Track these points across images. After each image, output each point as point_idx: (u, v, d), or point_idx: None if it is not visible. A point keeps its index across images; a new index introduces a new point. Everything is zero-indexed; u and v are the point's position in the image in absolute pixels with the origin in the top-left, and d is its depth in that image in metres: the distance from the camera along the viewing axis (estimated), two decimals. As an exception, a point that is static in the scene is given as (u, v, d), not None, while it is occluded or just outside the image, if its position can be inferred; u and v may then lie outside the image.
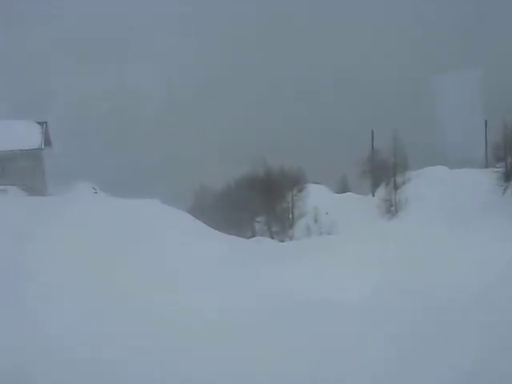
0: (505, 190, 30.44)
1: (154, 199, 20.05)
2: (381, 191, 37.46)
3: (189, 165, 43.60)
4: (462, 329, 8.85)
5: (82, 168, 34.77)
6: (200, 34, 60.77)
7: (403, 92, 50.61)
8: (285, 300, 10.62)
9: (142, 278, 11.54)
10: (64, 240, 13.08)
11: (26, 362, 7.33)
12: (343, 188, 47.78)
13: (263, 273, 13.10)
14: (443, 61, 52.15)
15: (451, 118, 36.37)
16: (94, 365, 7.47)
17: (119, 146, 42.75)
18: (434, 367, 7.63)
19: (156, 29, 56.73)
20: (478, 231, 17.10)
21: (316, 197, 39.06)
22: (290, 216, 39.15)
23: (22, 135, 31.09)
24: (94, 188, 33.25)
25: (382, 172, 38.50)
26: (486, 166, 36.00)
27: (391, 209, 34.92)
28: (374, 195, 39.44)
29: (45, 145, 32.97)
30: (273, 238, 33.87)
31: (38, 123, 33.11)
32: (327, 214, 35.49)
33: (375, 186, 40.15)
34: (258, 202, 38.90)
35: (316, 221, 35.66)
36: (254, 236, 34.00)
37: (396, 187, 35.80)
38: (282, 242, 30.96)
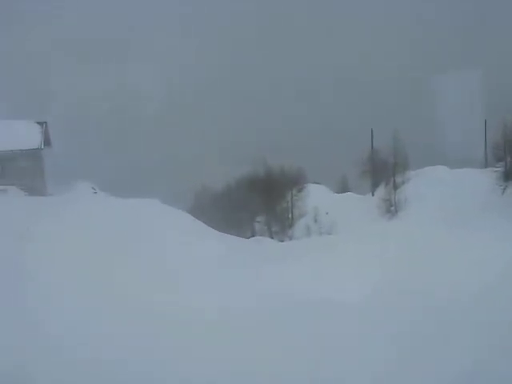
0: (504, 189, 30.45)
1: (153, 199, 20.05)
2: (381, 191, 37.49)
3: (189, 165, 43.62)
4: (461, 329, 8.85)
5: (82, 168, 34.79)
6: (200, 33, 60.78)
7: (403, 92, 50.65)
8: (285, 300, 10.61)
9: (141, 278, 11.53)
10: (64, 240, 13.06)
11: (26, 362, 7.33)
12: (343, 188, 47.82)
13: (263, 273, 13.09)
14: (443, 61, 52.20)
15: (451, 117, 36.40)
16: (93, 365, 7.47)
17: (119, 146, 42.77)
18: (434, 367, 7.63)
19: (156, 29, 56.72)
20: (477, 231, 17.10)
21: (316, 197, 39.08)
22: (290, 216, 39.18)
23: (22, 135, 31.09)
24: (93, 188, 33.25)
25: (382, 172, 38.55)
26: (486, 166, 36.04)
27: (391, 209, 34.95)
28: (373, 195, 39.47)
29: (45, 145, 32.97)
30: (272, 238, 33.89)
31: (38, 123, 33.12)
32: (327, 213, 35.51)
33: (375, 185, 40.19)
34: (258, 202, 38.93)
35: (316, 221, 35.68)
36: (253, 236, 34.01)
37: (396, 187, 35.83)
38: (282, 241, 30.97)
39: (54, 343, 7.96)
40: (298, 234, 34.63)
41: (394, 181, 36.22)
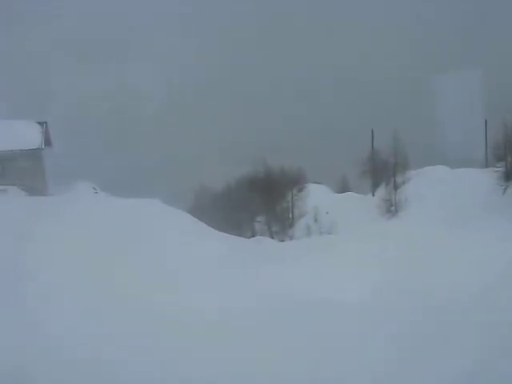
0: (505, 189, 30.44)
1: (154, 199, 20.06)
2: (381, 191, 37.48)
3: (189, 165, 43.62)
4: (461, 329, 8.85)
5: (83, 168, 34.80)
6: (200, 33, 60.77)
7: (403, 92, 50.64)
8: (285, 300, 10.62)
9: (141, 278, 11.53)
10: (64, 240, 13.07)
11: (26, 362, 7.33)
12: (343, 188, 47.82)
13: (263, 273, 13.10)
14: (443, 61, 52.15)
15: (451, 117, 36.39)
16: (93, 365, 7.47)
17: (119, 146, 42.77)
18: (434, 367, 7.63)
19: (156, 29, 56.72)
20: (478, 231, 17.10)
21: (316, 196, 39.08)
22: (290, 216, 39.18)
23: (23, 135, 31.09)
24: (94, 188, 33.26)
25: (382, 172, 38.54)
26: (486, 166, 36.01)
27: (391, 208, 34.93)
28: (374, 195, 39.47)
29: (45, 145, 32.98)
30: (273, 238, 33.89)
31: (38, 123, 33.12)
32: (327, 213, 35.50)
33: (375, 185, 40.19)
34: (258, 202, 38.92)
35: (316, 220, 35.67)
36: (254, 236, 34.01)
37: (396, 187, 35.82)
38: (282, 241, 30.97)
39: (54, 343, 7.96)
40: (299, 233, 34.62)
41: (395, 181, 36.21)
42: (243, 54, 60.21)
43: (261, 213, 39.97)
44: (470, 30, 53.16)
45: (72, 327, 8.64)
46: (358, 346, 8.58)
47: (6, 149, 30.33)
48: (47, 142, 33.45)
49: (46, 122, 33.63)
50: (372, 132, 41.13)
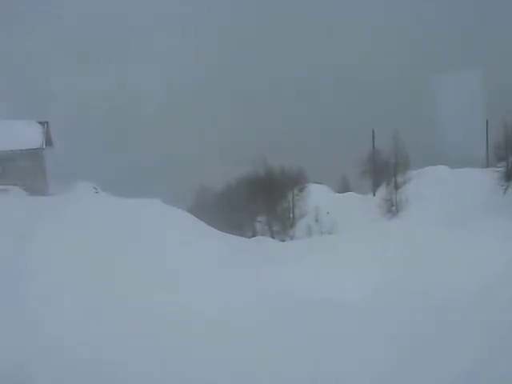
0: (506, 189, 30.40)
1: (154, 199, 20.07)
2: (382, 191, 37.47)
3: (189, 164, 43.64)
4: (462, 329, 8.84)
5: (83, 168, 34.82)
6: (200, 34, 60.79)
7: (404, 92, 50.64)
8: (285, 300, 10.61)
9: (142, 277, 11.53)
10: (64, 240, 13.07)
11: (26, 362, 7.33)
12: (344, 188, 47.81)
13: (263, 273, 13.09)
14: (444, 61, 52.14)
15: (452, 117, 36.37)
16: (94, 365, 7.47)
17: (120, 146, 42.78)
18: (434, 367, 7.63)
19: (156, 29, 56.72)
20: (478, 231, 17.06)
21: (317, 196, 39.08)
22: (291, 216, 39.17)
23: (23, 135, 31.10)
24: (94, 188, 33.28)
25: (383, 172, 38.53)
26: (487, 166, 35.99)
27: (392, 208, 34.92)
28: (374, 195, 39.45)
29: (46, 144, 33.00)
30: (273, 238, 33.88)
31: (39, 123, 33.14)
32: (328, 213, 35.49)
33: (376, 185, 40.17)
34: (259, 202, 38.94)
35: (317, 220, 35.66)
36: (254, 236, 34.01)
37: (397, 187, 35.80)
38: (283, 241, 30.96)
39: (54, 343, 7.96)
40: (299, 233, 34.62)
41: (395, 181, 36.19)
42: (243, 53, 60.25)
43: (261, 213, 39.97)
44: (470, 29, 53.17)
45: (72, 327, 8.63)
46: (358, 346, 8.58)
47: (7, 149, 30.35)
48: (48, 141, 33.46)
49: (46, 122, 33.65)
50: (373, 132, 41.12)
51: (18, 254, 11.43)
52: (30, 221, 13.92)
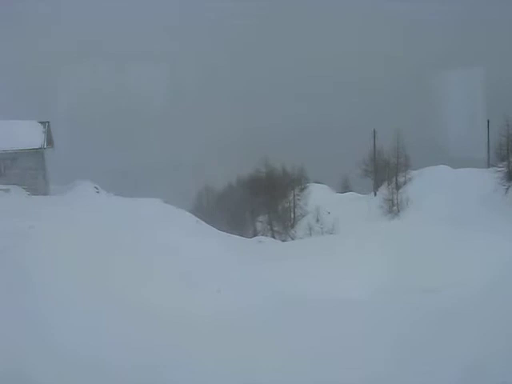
0: (507, 189, 30.34)
1: (156, 199, 20.10)
2: (383, 191, 37.41)
3: (191, 164, 43.62)
4: (462, 329, 8.85)
5: (84, 167, 34.82)
6: (201, 34, 60.84)
7: (405, 92, 50.58)
8: (285, 299, 10.63)
9: (143, 277, 11.55)
10: (66, 239, 13.08)
11: (26, 362, 7.33)
12: (345, 187, 47.77)
13: (265, 272, 13.11)
14: (445, 61, 52.11)
15: (453, 117, 36.30)
16: (94, 365, 7.47)
17: (121, 146, 42.79)
18: (435, 367, 7.62)
19: (156, 29, 56.73)
20: (480, 230, 17.07)
21: (318, 196, 39.10)
22: (292, 215, 39.15)
23: (25, 135, 31.08)
24: (96, 187, 33.24)
25: (384, 171, 38.49)
26: (489, 166, 35.92)
27: (393, 208, 34.87)
28: (375, 195, 39.40)
29: (47, 144, 32.97)
30: (274, 238, 33.87)
31: (41, 123, 33.14)
32: (329, 213, 35.44)
33: (377, 185, 40.11)
34: (260, 202, 38.93)
35: (318, 220, 35.59)
36: (255, 236, 34.00)
37: (398, 187, 35.76)
38: (284, 241, 30.94)
39: (54, 343, 7.96)
40: (300, 233, 34.61)
41: (396, 180, 36.14)
42: (244, 53, 60.25)
43: (262, 212, 39.97)
44: (472, 29, 53.13)
45: (72, 327, 8.64)
46: (358, 346, 8.59)
47: (8, 148, 30.32)
48: (49, 141, 33.44)
49: (48, 122, 33.61)
50: (374, 132, 41.07)
51: (19, 254, 11.44)
52: (31, 220, 13.93)
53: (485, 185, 30.93)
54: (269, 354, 8.25)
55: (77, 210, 16.15)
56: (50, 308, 9.17)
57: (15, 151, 30.73)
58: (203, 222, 20.93)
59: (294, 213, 39.12)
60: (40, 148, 32.11)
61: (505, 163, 32.02)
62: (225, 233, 21.16)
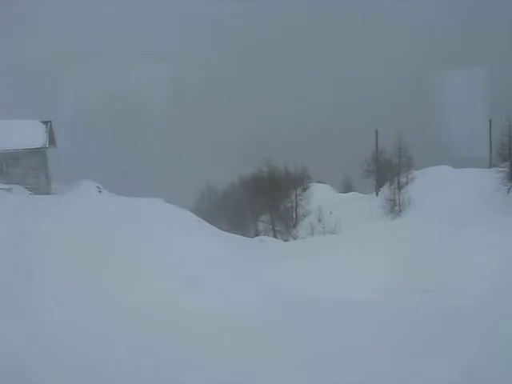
0: (509, 189, 30.31)
1: (157, 198, 20.09)
2: (385, 191, 37.38)
3: (193, 164, 43.65)
4: (464, 329, 8.83)
5: (86, 167, 34.86)
6: (201, 34, 60.87)
7: (407, 92, 50.56)
8: (286, 299, 10.62)
9: (144, 277, 11.55)
10: (67, 239, 13.08)
11: (26, 361, 7.32)
12: (347, 187, 47.75)
13: (267, 271, 13.10)
14: (448, 61, 52.06)
15: (456, 117, 36.25)
16: (94, 365, 7.47)
17: (123, 146, 42.84)
18: (434, 367, 7.61)
19: (157, 28, 56.77)
20: (482, 230, 17.04)
21: (320, 196, 39.11)
22: (294, 215, 39.16)
23: (27, 134, 31.14)
24: (98, 187, 33.28)
25: (386, 171, 38.46)
26: (491, 166, 35.86)
27: (395, 208, 34.85)
28: (377, 194, 39.37)
29: (49, 144, 33.03)
30: (276, 238, 33.87)
31: (43, 122, 33.20)
32: (331, 213, 35.42)
33: (379, 185, 40.07)
34: (262, 202, 38.94)
35: (320, 220, 35.57)
36: (257, 235, 34.00)
37: (400, 187, 35.75)
38: (286, 241, 30.93)
39: (55, 343, 7.96)
40: (302, 233, 34.62)
41: (398, 180, 36.14)
42: (245, 54, 60.30)
43: (264, 212, 39.97)
44: (474, 29, 53.08)
45: (72, 327, 8.65)
46: (359, 345, 8.58)
47: (10, 148, 30.39)
48: (51, 141, 33.49)
49: (50, 121, 33.67)
50: (376, 132, 41.04)
51: (19, 253, 11.45)
52: (33, 219, 13.94)
53: (487, 185, 30.90)
54: (271, 353, 8.25)
55: (79, 209, 16.14)
56: (50, 308, 9.17)
57: (17, 150, 30.79)
58: (205, 222, 20.91)
59: (296, 212, 39.13)
60: (42, 147, 32.16)
61: (507, 163, 31.98)
62: (227, 232, 21.15)
